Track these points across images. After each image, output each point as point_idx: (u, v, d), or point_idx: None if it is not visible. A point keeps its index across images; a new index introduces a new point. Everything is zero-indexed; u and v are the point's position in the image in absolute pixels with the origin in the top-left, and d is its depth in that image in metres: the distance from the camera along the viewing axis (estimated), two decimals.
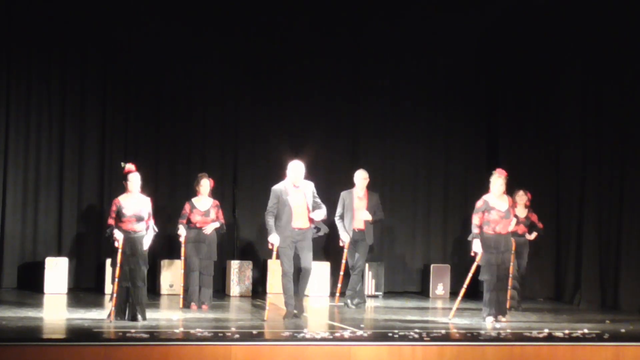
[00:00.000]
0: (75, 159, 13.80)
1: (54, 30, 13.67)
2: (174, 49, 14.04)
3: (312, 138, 14.12)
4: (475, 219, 10.88)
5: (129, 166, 10.46)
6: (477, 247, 10.85)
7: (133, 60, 13.97)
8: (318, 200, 10.84)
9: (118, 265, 10.12)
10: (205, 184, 11.88)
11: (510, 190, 11.77)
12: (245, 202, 14.27)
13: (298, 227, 10.66)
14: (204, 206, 11.84)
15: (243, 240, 14.22)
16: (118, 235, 10.13)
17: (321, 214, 10.72)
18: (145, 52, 13.98)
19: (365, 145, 14.66)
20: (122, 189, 10.48)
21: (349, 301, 12.28)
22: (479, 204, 10.91)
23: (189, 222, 11.81)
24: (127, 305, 10.16)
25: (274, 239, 10.62)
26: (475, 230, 10.87)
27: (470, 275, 11.12)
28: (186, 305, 11.65)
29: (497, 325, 10.59)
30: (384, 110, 14.75)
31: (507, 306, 11.16)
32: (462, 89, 14.97)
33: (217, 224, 11.85)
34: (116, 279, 10.13)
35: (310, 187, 10.83)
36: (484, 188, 14.80)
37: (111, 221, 10.25)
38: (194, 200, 11.89)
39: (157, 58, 14.02)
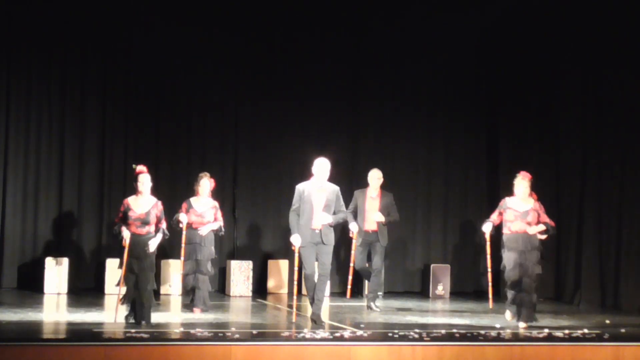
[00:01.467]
0: (75, 159, 13.80)
1: (54, 30, 13.68)
2: (174, 49, 14.05)
3: (312, 138, 14.13)
4: (493, 215, 10.82)
5: (140, 167, 10.31)
6: (486, 228, 10.70)
7: (133, 61, 13.98)
8: (342, 203, 10.58)
9: (124, 265, 9.99)
10: (205, 185, 11.54)
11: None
12: (245, 202, 14.28)
13: (318, 228, 10.37)
14: (202, 207, 11.53)
15: (243, 240, 14.23)
16: (126, 233, 9.92)
17: (328, 218, 10.42)
18: (146, 52, 13.99)
19: (365, 145, 14.66)
20: (131, 189, 10.37)
21: (372, 304, 12.07)
22: (500, 202, 10.85)
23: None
24: (134, 307, 10.01)
25: (295, 240, 10.35)
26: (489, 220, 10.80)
27: (489, 271, 10.96)
28: (185, 306, 11.59)
29: (516, 322, 10.51)
30: (384, 110, 14.75)
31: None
32: (462, 89, 14.97)
33: (214, 226, 11.53)
34: (122, 281, 10.01)
35: (335, 190, 10.56)
36: (484, 188, 14.92)
37: (117, 220, 10.14)
38: (192, 199, 11.58)
39: (157, 58, 14.03)
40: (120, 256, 10.05)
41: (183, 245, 11.49)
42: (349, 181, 13.92)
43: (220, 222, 11.65)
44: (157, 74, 14.07)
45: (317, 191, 10.47)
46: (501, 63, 14.71)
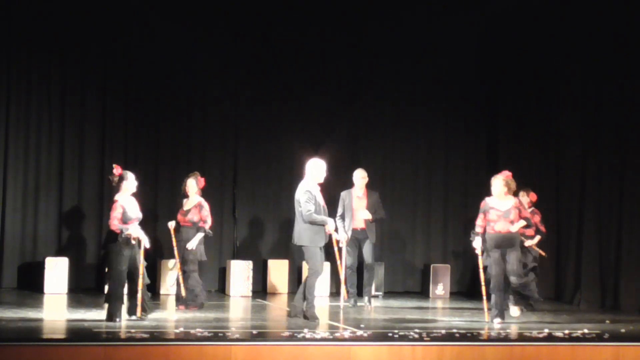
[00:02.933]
0: (75, 159, 13.80)
1: (54, 30, 13.67)
2: (174, 49, 14.04)
3: (312, 138, 14.13)
4: (478, 220, 10.89)
5: (117, 169, 10.54)
6: (476, 244, 10.83)
7: (133, 60, 13.98)
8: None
9: (143, 264, 10.19)
10: (191, 184, 11.70)
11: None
12: (245, 202, 14.27)
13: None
14: (187, 205, 11.71)
15: (243, 240, 14.22)
16: (140, 232, 10.15)
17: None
18: (145, 52, 13.99)
19: (365, 145, 14.66)
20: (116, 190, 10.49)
21: (366, 298, 12.31)
22: (481, 204, 10.95)
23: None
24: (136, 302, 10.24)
25: (337, 230, 10.60)
26: (476, 229, 10.87)
27: (481, 272, 11.00)
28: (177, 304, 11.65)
29: (504, 326, 10.55)
30: (384, 110, 14.75)
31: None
32: (462, 89, 14.97)
33: (200, 235, 11.52)
34: (141, 276, 10.13)
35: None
36: (484, 188, 14.88)
37: (120, 222, 10.10)
38: (184, 199, 11.83)
39: (157, 58, 14.02)
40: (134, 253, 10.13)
41: (174, 243, 11.61)
42: (349, 181, 13.89)
43: (203, 225, 11.57)
44: (157, 74, 14.07)
45: (319, 192, 10.64)
46: (501, 63, 14.70)
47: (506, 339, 9.53)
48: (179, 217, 11.70)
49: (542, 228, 12.24)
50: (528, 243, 11.92)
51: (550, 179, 13.98)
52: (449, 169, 14.99)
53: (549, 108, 14.03)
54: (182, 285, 11.52)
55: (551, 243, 13.86)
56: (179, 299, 11.67)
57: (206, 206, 11.71)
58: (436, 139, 14.97)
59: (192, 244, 11.47)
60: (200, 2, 13.99)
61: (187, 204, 11.73)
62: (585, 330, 10.06)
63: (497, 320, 10.70)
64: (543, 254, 12.14)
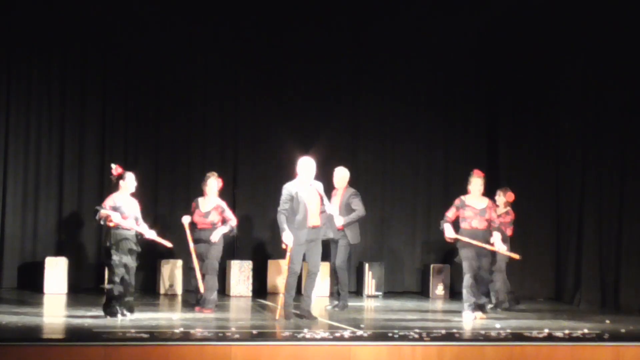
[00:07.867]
0: (75, 159, 13.80)
1: (54, 30, 13.68)
2: (174, 48, 14.05)
3: (311, 138, 14.13)
4: (449, 212, 11.27)
5: (117, 169, 10.63)
6: (449, 232, 11.13)
7: (133, 60, 13.98)
8: (326, 199, 10.76)
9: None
10: (212, 184, 11.40)
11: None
12: (245, 202, 14.28)
13: (312, 225, 10.50)
14: (206, 207, 11.39)
15: (243, 240, 14.22)
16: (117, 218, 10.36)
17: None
18: (146, 52, 13.99)
19: (365, 145, 14.66)
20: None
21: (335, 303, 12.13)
22: (456, 201, 11.32)
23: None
24: (122, 301, 10.38)
25: (288, 239, 10.41)
26: (445, 219, 11.24)
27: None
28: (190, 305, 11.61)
29: (477, 321, 10.69)
30: (384, 110, 14.75)
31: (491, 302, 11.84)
32: (461, 89, 14.97)
33: (225, 229, 11.34)
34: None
35: (321, 186, 10.70)
36: (484, 188, 14.88)
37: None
38: (199, 199, 11.48)
39: (157, 58, 14.03)
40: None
41: (190, 240, 11.33)
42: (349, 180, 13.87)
43: (232, 223, 11.44)
44: (157, 74, 14.07)
45: (306, 189, 10.58)
46: (501, 63, 14.70)
47: (506, 339, 9.53)
48: (197, 218, 11.34)
49: (509, 231, 12.18)
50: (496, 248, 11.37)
51: (550, 179, 13.98)
52: (449, 169, 14.99)
53: (549, 108, 14.03)
54: (201, 284, 11.18)
55: (551, 242, 13.88)
56: (198, 301, 11.34)
57: (226, 206, 11.51)
58: (436, 139, 14.97)
59: (215, 236, 11.22)
60: (200, 3, 13.99)
61: (206, 205, 11.40)
62: (585, 330, 10.07)
63: (468, 314, 10.99)
64: (515, 256, 11.66)
